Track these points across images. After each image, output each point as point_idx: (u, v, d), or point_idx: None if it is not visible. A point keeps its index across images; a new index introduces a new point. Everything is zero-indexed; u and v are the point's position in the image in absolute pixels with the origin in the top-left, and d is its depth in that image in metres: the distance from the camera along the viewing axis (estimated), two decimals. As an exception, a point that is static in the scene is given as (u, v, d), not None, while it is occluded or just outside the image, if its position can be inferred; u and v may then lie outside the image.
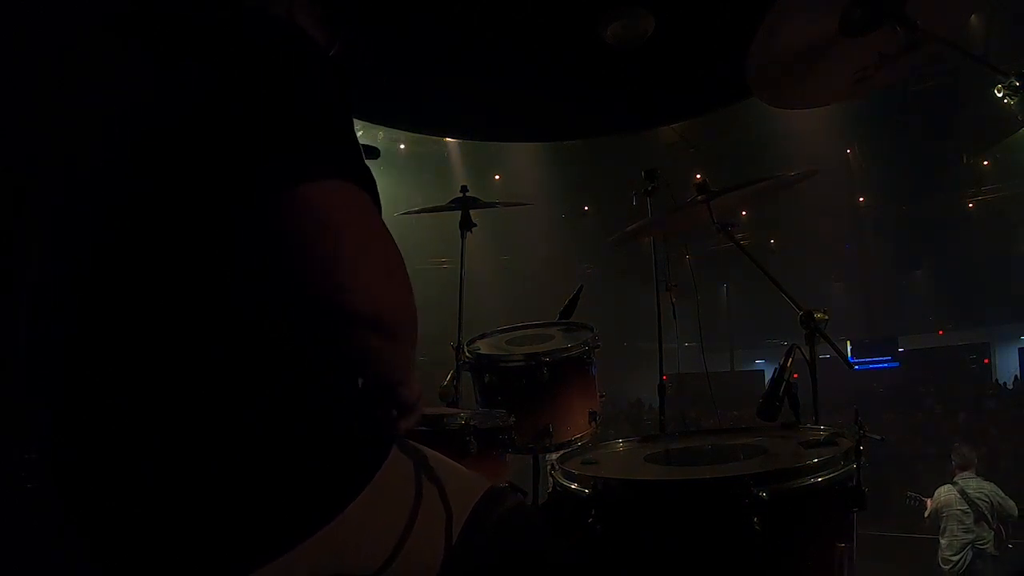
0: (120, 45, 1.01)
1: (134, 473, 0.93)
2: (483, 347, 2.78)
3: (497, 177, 16.57)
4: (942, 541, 6.46)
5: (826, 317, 2.04)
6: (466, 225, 3.32)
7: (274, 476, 0.96)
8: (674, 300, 3.32)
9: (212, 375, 0.96)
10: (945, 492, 6.53)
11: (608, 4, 3.32)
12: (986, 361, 18.76)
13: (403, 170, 14.60)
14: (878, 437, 1.71)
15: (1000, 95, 1.47)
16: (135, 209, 0.95)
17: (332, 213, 0.94)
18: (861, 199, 18.26)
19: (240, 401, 0.96)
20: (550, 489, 1.68)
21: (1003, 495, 6.34)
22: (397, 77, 3.78)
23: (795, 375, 1.91)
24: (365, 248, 0.96)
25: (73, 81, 1.02)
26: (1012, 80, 1.43)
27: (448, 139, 14.35)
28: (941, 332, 20.26)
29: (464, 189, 3.28)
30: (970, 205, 17.56)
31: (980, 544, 6.25)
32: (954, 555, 6.32)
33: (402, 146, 15.47)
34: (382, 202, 1.05)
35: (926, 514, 6.76)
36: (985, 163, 16.27)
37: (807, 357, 2.02)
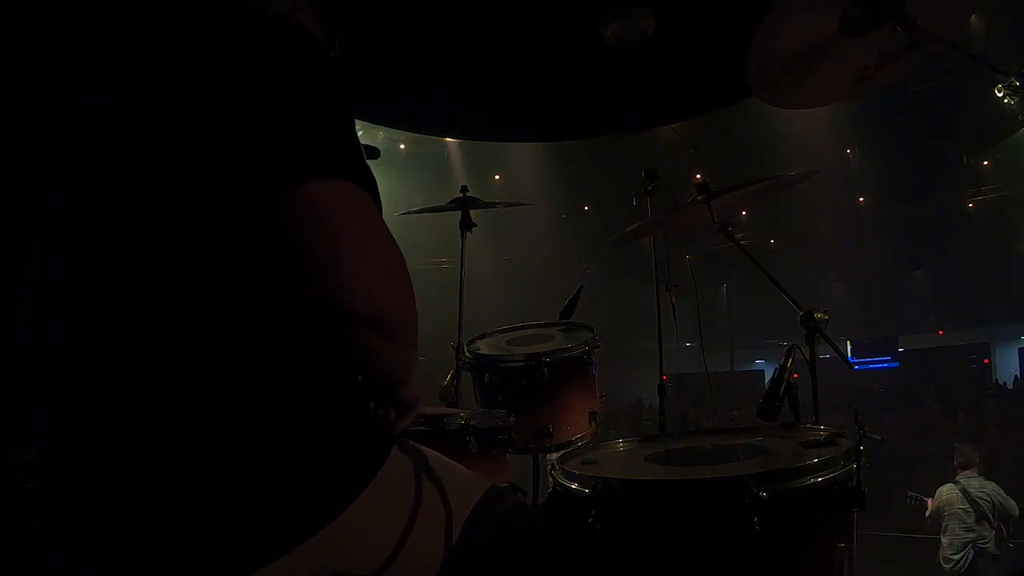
0: (120, 45, 1.01)
1: (134, 473, 0.93)
2: (483, 347, 2.78)
3: (497, 177, 16.56)
4: (943, 540, 6.47)
5: (826, 317, 2.04)
6: (466, 225, 3.32)
7: (274, 476, 0.96)
8: (674, 300, 3.32)
9: (212, 375, 0.96)
10: (947, 491, 6.54)
11: (608, 4, 3.32)
12: (986, 361, 18.75)
13: (403, 170, 14.60)
14: (878, 437, 1.71)
15: (1000, 95, 1.47)
16: (135, 209, 0.95)
17: (332, 213, 0.94)
18: (861, 199, 18.25)
19: (240, 401, 0.96)
20: (550, 489, 1.67)
21: (1004, 495, 6.35)
22: (397, 77, 3.78)
23: (795, 375, 1.91)
24: (365, 248, 0.96)
25: (73, 81, 1.02)
26: (1012, 80, 1.43)
27: (448, 139, 14.35)
28: (941, 332, 20.26)
29: (464, 189, 3.28)
30: (970, 205, 17.55)
31: (981, 543, 6.26)
32: (955, 554, 6.33)
33: (402, 146, 15.47)
34: (382, 202, 1.05)
35: (927, 513, 6.77)
36: (985, 163, 16.26)
37: (807, 357, 2.02)
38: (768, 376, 2.58)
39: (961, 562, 6.29)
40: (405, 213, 3.44)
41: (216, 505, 0.93)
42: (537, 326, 2.96)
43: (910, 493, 7.35)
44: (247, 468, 0.95)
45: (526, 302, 11.17)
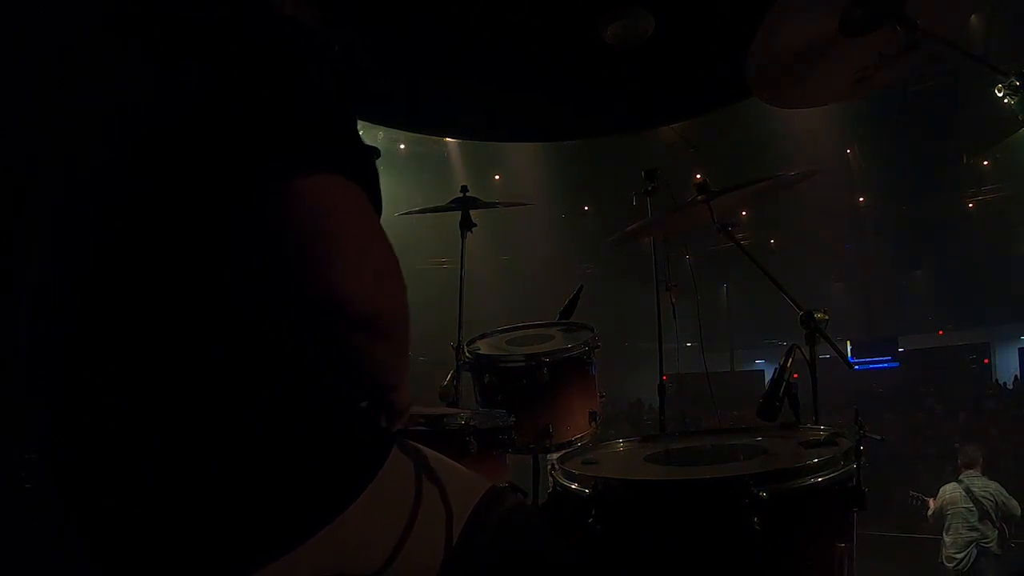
0: (120, 45, 1.01)
1: (134, 473, 0.93)
2: (483, 347, 2.78)
3: (497, 177, 16.57)
4: (946, 539, 6.48)
5: (826, 317, 2.04)
6: (466, 225, 3.32)
7: (275, 476, 0.96)
8: (674, 300, 3.32)
9: (212, 375, 0.96)
10: (950, 490, 6.56)
11: (608, 4, 3.32)
12: (986, 361, 18.76)
13: (403, 170, 14.60)
14: (878, 437, 1.71)
15: (1000, 95, 1.47)
16: (135, 209, 0.95)
17: (329, 213, 0.94)
18: (861, 199, 18.26)
19: (240, 401, 0.96)
20: (550, 489, 1.68)
21: (1007, 495, 6.37)
22: (397, 77, 3.78)
23: (795, 375, 1.91)
24: (360, 248, 0.96)
25: (73, 81, 1.02)
26: (1012, 80, 1.43)
27: (448, 139, 14.36)
28: (941, 332, 20.27)
29: (464, 189, 3.28)
30: (970, 205, 17.57)
31: (984, 543, 6.28)
32: (958, 553, 6.35)
33: (402, 146, 15.48)
34: (383, 202, 1.05)
35: (929, 513, 6.78)
36: (985, 163, 16.27)
37: (807, 357, 2.01)
38: (768, 376, 2.58)
39: (964, 561, 6.30)
40: (405, 213, 3.43)
41: (216, 505, 0.93)
42: (537, 326, 2.96)
43: (911, 493, 7.37)
44: (247, 468, 0.95)
45: (526, 302, 11.17)
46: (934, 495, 6.86)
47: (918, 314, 20.22)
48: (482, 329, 2.94)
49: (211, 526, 0.93)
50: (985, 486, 6.41)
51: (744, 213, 14.53)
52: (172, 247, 0.95)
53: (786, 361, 1.91)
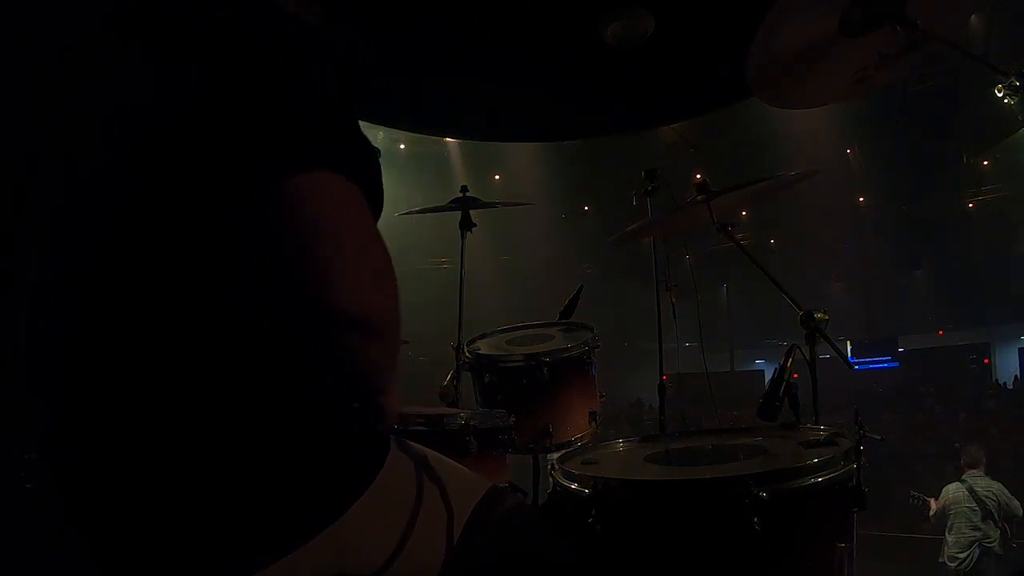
0: (120, 45, 1.01)
1: (135, 473, 0.93)
2: (483, 347, 2.78)
3: (497, 177, 16.57)
4: (949, 538, 6.50)
5: (826, 317, 2.04)
6: (466, 225, 3.32)
7: (275, 476, 0.96)
8: (674, 300, 3.32)
9: (212, 375, 0.96)
10: (954, 489, 6.57)
11: (608, 4, 3.32)
12: (986, 361, 18.76)
13: (403, 170, 14.60)
14: (878, 437, 1.71)
15: (1000, 95, 1.47)
16: (135, 209, 0.95)
17: (329, 213, 0.94)
18: (861, 199, 18.25)
19: (240, 401, 0.96)
20: (550, 489, 1.68)
21: (1009, 495, 6.39)
22: (397, 77, 3.78)
23: (795, 375, 1.91)
24: (359, 249, 0.96)
25: (73, 81, 1.02)
26: (1012, 80, 1.43)
27: (448, 139, 14.36)
28: (941, 332, 20.26)
29: (464, 189, 3.28)
30: (970, 205, 17.56)
31: (987, 542, 6.29)
32: (961, 552, 6.36)
33: (402, 146, 15.48)
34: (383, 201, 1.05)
35: (931, 513, 6.79)
36: (985, 163, 16.27)
37: (807, 357, 2.02)
38: (768, 376, 2.58)
39: (967, 560, 6.31)
40: (405, 213, 3.44)
41: (217, 505, 0.93)
42: (537, 326, 2.96)
43: (912, 493, 7.38)
44: (248, 468, 0.95)
45: (526, 302, 11.17)
46: (934, 495, 6.87)
47: (918, 314, 20.22)
48: (482, 329, 2.94)
49: (212, 526, 0.93)
50: (988, 486, 6.43)
51: (744, 213, 14.52)
52: (172, 247, 0.95)
53: (786, 361, 1.91)
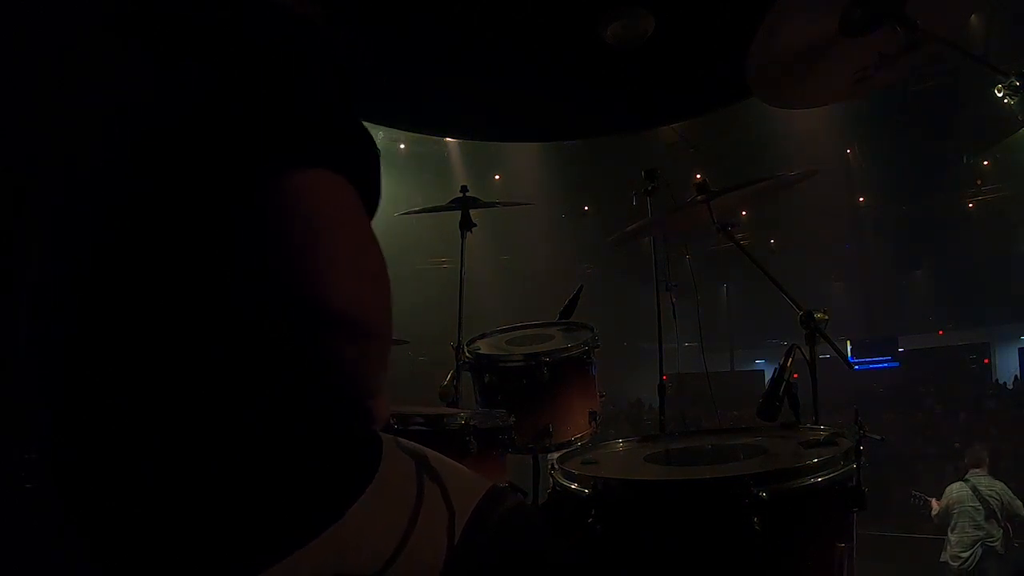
0: (120, 45, 1.01)
1: (135, 473, 0.93)
2: (483, 347, 2.78)
3: (497, 177, 16.57)
4: (952, 538, 6.50)
5: (826, 317, 2.04)
6: (466, 225, 3.32)
7: (276, 477, 0.96)
8: (674, 300, 3.32)
9: (212, 375, 0.95)
10: (957, 489, 6.58)
11: (608, 4, 3.32)
12: (986, 361, 18.75)
13: (403, 170, 14.61)
14: (878, 437, 1.71)
15: (1000, 95, 1.47)
16: (135, 209, 0.95)
17: (327, 214, 0.94)
18: (861, 199, 18.25)
19: (240, 401, 0.96)
20: (550, 489, 1.68)
21: (1012, 494, 6.41)
22: (397, 77, 3.78)
23: (795, 375, 1.91)
24: (357, 249, 0.96)
25: (73, 81, 1.02)
26: (1012, 80, 1.43)
27: (448, 139, 14.36)
28: (941, 332, 20.26)
29: (464, 189, 3.28)
30: (970, 205, 17.56)
31: (990, 542, 6.30)
32: (964, 551, 6.36)
33: (402, 146, 15.48)
34: (383, 202, 1.05)
35: (934, 512, 6.80)
36: (985, 163, 16.27)
37: (807, 357, 2.02)
38: (768, 376, 2.58)
39: (969, 560, 6.32)
40: (405, 213, 3.44)
41: (217, 506, 0.93)
42: (537, 326, 2.96)
43: (913, 493, 7.39)
44: (248, 469, 0.95)
45: (526, 302, 11.16)
46: (934, 495, 6.87)
47: (918, 314, 20.21)
48: (482, 329, 2.94)
49: (212, 527, 0.93)
50: (991, 485, 6.44)
51: (744, 213, 14.50)
52: (172, 247, 0.95)
53: (786, 361, 1.91)
